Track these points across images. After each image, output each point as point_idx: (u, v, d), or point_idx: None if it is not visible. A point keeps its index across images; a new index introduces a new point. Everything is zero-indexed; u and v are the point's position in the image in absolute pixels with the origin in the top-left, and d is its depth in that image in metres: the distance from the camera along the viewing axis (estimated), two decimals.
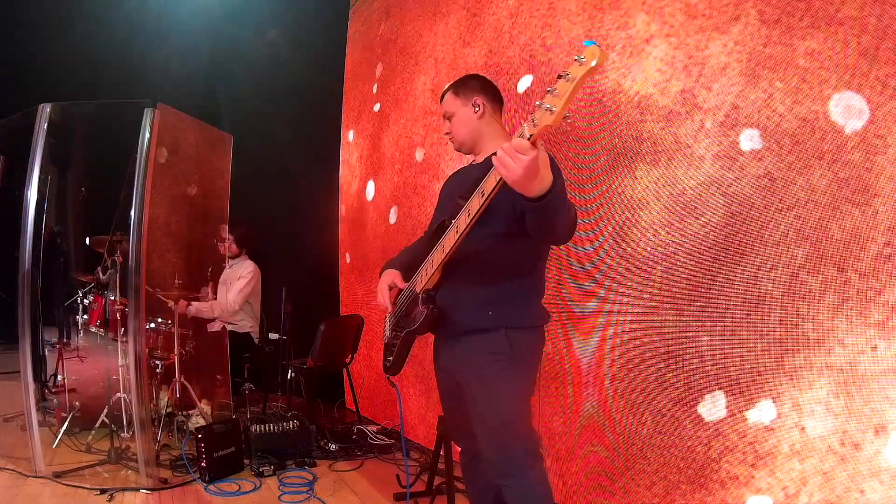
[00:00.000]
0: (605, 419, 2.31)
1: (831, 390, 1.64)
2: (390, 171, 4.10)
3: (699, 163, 2.02)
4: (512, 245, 1.62)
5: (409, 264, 1.84)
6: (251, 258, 4.33)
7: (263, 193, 5.12)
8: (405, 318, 1.77)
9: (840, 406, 1.62)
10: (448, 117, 1.81)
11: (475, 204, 1.46)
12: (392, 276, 1.83)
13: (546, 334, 1.74)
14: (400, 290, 1.84)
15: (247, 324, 4.21)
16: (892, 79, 1.53)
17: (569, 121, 1.22)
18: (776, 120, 1.79)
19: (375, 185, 4.34)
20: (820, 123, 1.69)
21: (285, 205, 5.16)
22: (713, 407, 1.93)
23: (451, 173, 2.03)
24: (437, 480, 2.66)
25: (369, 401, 4.25)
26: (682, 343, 2.05)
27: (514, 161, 1.25)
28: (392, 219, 4.03)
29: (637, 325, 2.21)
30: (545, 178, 1.30)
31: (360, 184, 4.61)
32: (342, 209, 4.97)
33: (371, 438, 3.58)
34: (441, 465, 2.53)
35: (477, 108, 1.77)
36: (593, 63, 1.14)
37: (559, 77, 1.19)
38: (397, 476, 2.95)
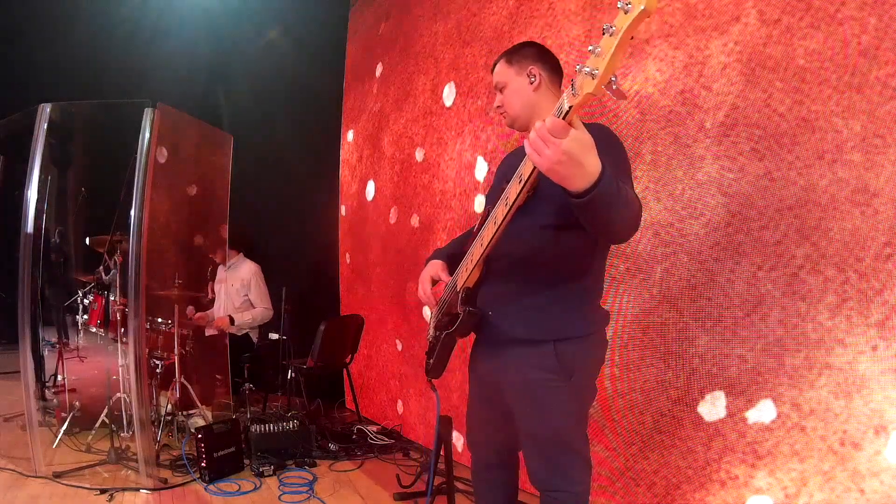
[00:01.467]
0: (605, 419, 2.31)
1: (831, 390, 1.64)
2: (390, 171, 4.10)
3: (699, 163, 2.02)
4: (562, 239, 1.40)
5: (456, 255, 1.65)
6: (248, 257, 4.36)
7: (263, 193, 5.13)
8: (447, 316, 1.60)
9: (840, 406, 1.62)
10: (500, 88, 1.60)
11: (513, 191, 1.26)
12: (436, 268, 1.64)
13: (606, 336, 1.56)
14: (445, 284, 1.66)
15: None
16: (892, 79, 1.53)
17: (614, 87, 0.96)
18: (776, 120, 1.79)
19: (375, 185, 4.34)
20: (820, 123, 1.69)
21: (285, 205, 5.17)
22: (713, 407, 1.93)
23: (506, 154, 1.82)
24: (437, 480, 2.66)
25: (369, 401, 4.25)
26: (682, 343, 2.05)
27: (548, 146, 1.03)
28: (392, 219, 4.03)
29: (637, 325, 2.21)
30: (590, 167, 1.05)
31: (360, 184, 4.61)
32: (342, 209, 4.97)
33: (371, 438, 3.58)
34: (441, 465, 2.53)
35: (533, 79, 1.56)
36: (641, 7, 0.90)
37: (603, 33, 0.97)
38: (397, 476, 2.95)
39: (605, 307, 1.55)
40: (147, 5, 5.29)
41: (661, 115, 2.15)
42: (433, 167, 3.55)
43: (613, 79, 0.97)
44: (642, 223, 2.17)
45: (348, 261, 4.80)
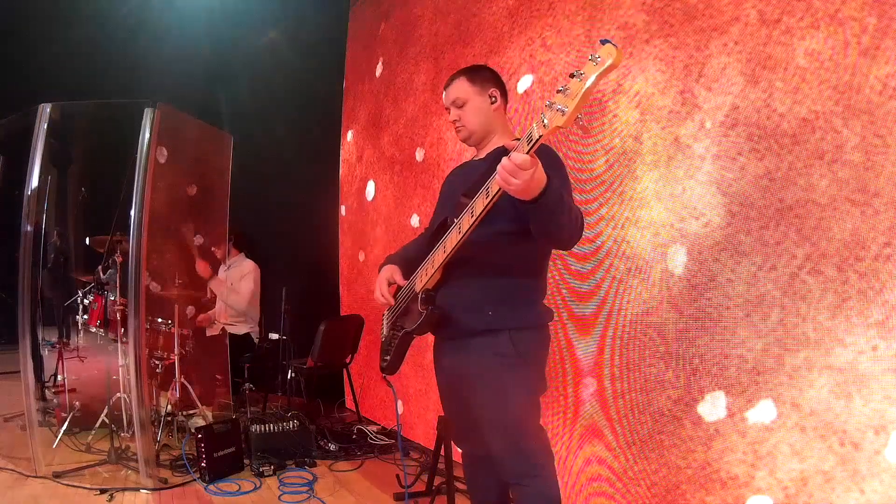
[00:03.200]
0: (605, 419, 2.31)
1: (831, 390, 1.64)
2: (390, 171, 4.10)
3: (699, 163, 2.02)
4: (517, 244, 1.59)
5: (409, 260, 1.80)
6: (248, 258, 4.36)
7: (263, 193, 5.13)
8: (403, 316, 1.73)
9: (840, 406, 1.62)
10: (459, 105, 1.73)
11: (479, 204, 1.43)
12: (391, 272, 1.78)
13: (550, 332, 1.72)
14: (399, 287, 1.79)
15: (246, 325, 4.22)
16: (892, 79, 1.53)
17: (581, 122, 1.19)
18: (776, 120, 1.79)
19: (375, 185, 4.34)
20: (820, 123, 1.69)
21: (285, 205, 5.17)
22: (713, 407, 1.93)
23: (453, 169, 1.99)
24: (437, 480, 2.66)
25: (369, 401, 4.25)
26: (682, 343, 2.05)
27: (517, 177, 1.27)
28: (392, 219, 4.03)
29: (637, 325, 2.21)
30: (540, 182, 1.31)
31: (359, 184, 4.61)
32: (342, 209, 4.97)
33: (371, 438, 3.58)
34: (441, 465, 2.53)
35: (493, 100, 1.72)
36: (609, 62, 1.09)
37: (571, 76, 1.14)
38: (397, 476, 2.95)
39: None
40: (147, 5, 5.30)
41: (661, 115, 2.15)
42: (433, 167, 3.55)
43: (580, 116, 1.17)
44: (642, 223, 2.18)
45: (349, 261, 4.80)
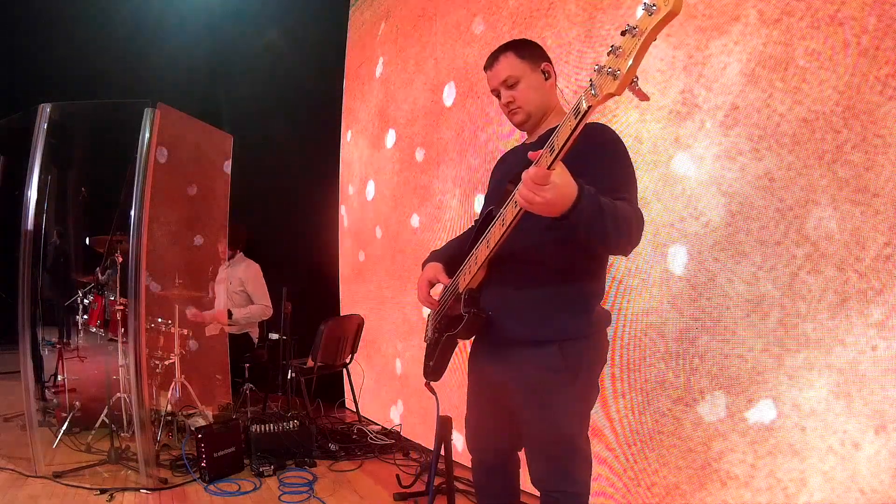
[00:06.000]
0: (605, 419, 2.31)
1: (831, 390, 1.64)
2: (390, 171, 4.10)
3: (699, 163, 2.02)
4: (568, 241, 1.37)
5: (454, 257, 1.64)
6: (248, 256, 4.36)
7: (263, 193, 5.13)
8: (447, 318, 1.59)
9: (840, 406, 1.62)
10: (510, 84, 1.52)
11: (509, 212, 1.29)
12: (434, 271, 1.62)
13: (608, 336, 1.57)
14: (445, 286, 1.64)
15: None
16: (892, 79, 1.53)
17: (637, 87, 0.99)
18: (776, 120, 1.79)
19: (375, 185, 4.34)
20: (820, 123, 1.69)
21: (285, 205, 5.16)
22: (713, 407, 1.93)
23: (504, 153, 1.81)
24: (437, 480, 2.66)
25: (369, 401, 4.25)
26: (682, 343, 2.05)
27: (539, 195, 1.12)
28: (392, 219, 4.03)
29: (637, 325, 2.21)
30: (566, 198, 1.14)
31: (360, 184, 4.61)
32: (342, 209, 4.97)
33: (371, 438, 3.58)
34: (441, 465, 2.53)
35: (547, 75, 1.54)
36: (667, 10, 0.90)
37: (623, 33, 0.96)
38: (397, 476, 2.95)
39: (606, 307, 1.55)
40: (147, 5, 5.30)
41: (661, 115, 2.15)
42: (433, 167, 3.55)
43: (635, 79, 0.98)
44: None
45: (349, 261, 4.80)
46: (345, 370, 4.15)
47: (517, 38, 1.63)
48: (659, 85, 2.16)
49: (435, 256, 1.70)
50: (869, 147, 1.58)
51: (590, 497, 1.50)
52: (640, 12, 0.95)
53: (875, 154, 1.57)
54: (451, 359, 1.63)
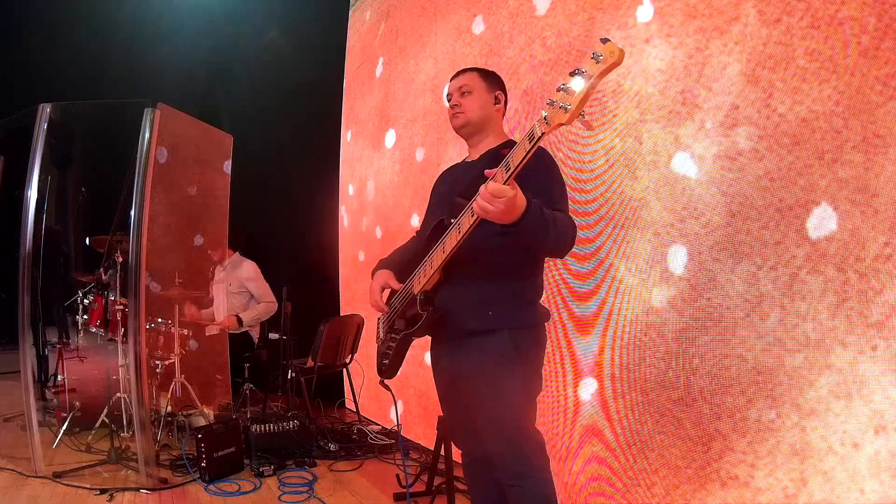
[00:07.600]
0: (605, 419, 2.31)
1: (831, 390, 1.64)
2: (390, 171, 4.10)
3: (699, 163, 2.02)
4: (516, 245, 1.58)
5: (401, 264, 1.82)
6: (245, 256, 4.37)
7: (263, 193, 5.13)
8: (401, 320, 1.74)
9: (840, 406, 1.62)
10: (464, 91, 1.75)
11: (466, 221, 1.45)
12: (385, 277, 1.80)
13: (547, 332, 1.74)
14: (393, 291, 1.80)
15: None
16: (892, 79, 1.53)
17: (584, 118, 1.20)
18: (776, 120, 1.79)
19: (375, 184, 4.34)
20: (820, 123, 1.69)
21: (285, 205, 5.17)
22: (713, 406, 1.93)
23: (442, 171, 2.02)
24: (437, 480, 2.66)
25: (369, 401, 4.25)
26: (682, 343, 2.05)
27: (494, 206, 1.31)
28: (392, 219, 4.03)
29: (637, 325, 2.21)
30: (518, 206, 1.34)
31: (359, 184, 4.61)
32: (342, 209, 4.97)
33: (371, 438, 3.58)
34: (441, 465, 2.53)
35: (497, 101, 1.77)
36: (611, 61, 1.11)
37: (572, 74, 1.15)
38: (397, 476, 2.95)
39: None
40: (147, 5, 5.30)
41: (661, 115, 2.15)
42: (433, 167, 3.55)
43: (583, 114, 1.18)
44: (642, 223, 2.18)
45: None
46: (345, 370, 4.15)
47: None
48: (659, 85, 2.16)
49: (384, 264, 1.87)
50: (869, 147, 1.58)
51: (552, 487, 1.61)
52: (588, 61, 1.13)
53: (875, 154, 1.56)
54: (406, 356, 1.76)
